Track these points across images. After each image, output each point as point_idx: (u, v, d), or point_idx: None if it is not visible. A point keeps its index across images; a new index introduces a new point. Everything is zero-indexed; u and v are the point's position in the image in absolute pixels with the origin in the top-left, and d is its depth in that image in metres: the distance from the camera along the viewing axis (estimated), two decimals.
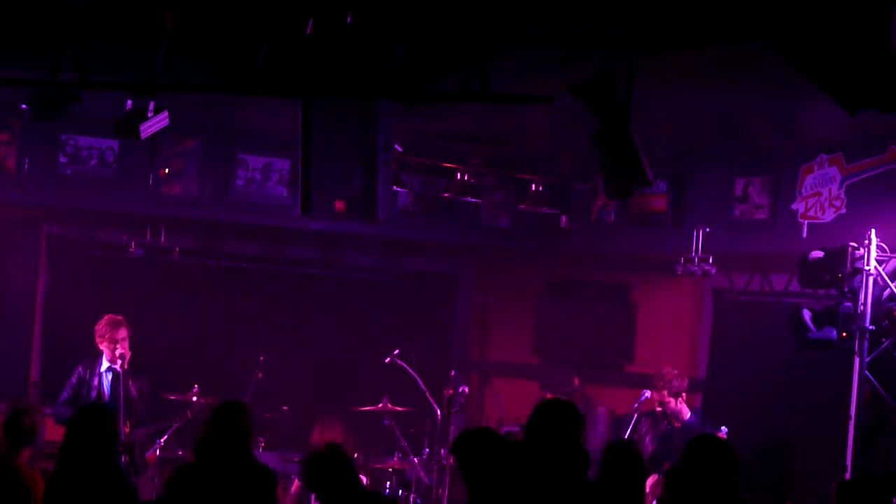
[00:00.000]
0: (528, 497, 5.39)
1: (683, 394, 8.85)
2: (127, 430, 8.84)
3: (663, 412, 8.79)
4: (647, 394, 8.78)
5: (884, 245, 8.12)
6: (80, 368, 9.06)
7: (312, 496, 9.06)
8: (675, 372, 8.94)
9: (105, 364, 9.02)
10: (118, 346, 8.89)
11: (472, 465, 5.70)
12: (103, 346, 8.99)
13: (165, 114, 6.89)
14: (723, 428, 8.43)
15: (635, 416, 8.64)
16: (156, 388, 9.34)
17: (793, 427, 9.50)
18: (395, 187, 10.11)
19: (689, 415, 8.80)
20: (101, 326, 9.01)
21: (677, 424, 8.75)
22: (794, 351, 8.59)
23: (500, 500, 5.51)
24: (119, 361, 8.85)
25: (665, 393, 8.78)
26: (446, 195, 10.61)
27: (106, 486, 6.11)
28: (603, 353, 11.36)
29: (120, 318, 9.06)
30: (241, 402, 6.57)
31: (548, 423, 5.49)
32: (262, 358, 9.99)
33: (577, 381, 10.31)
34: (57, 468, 6.30)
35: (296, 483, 9.68)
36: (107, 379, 9.03)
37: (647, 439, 8.84)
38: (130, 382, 8.95)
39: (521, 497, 5.40)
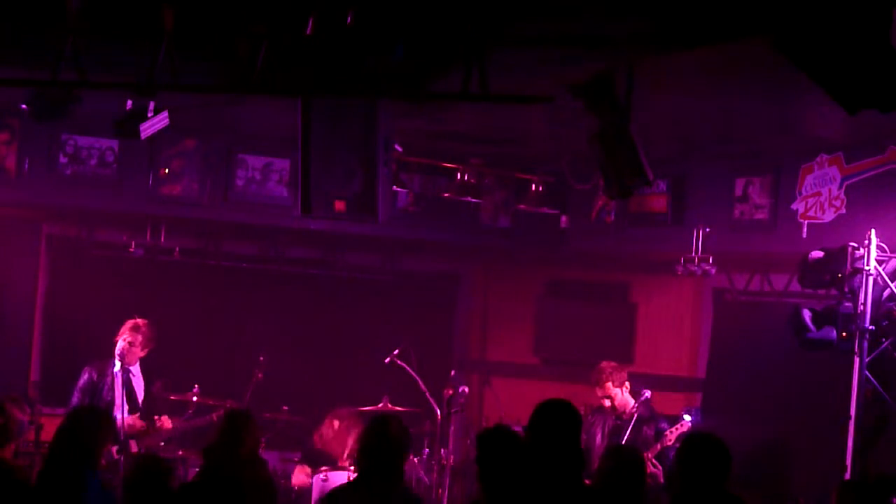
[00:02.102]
0: (528, 497, 5.38)
1: (627, 384, 8.79)
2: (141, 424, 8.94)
3: (612, 406, 8.74)
4: (648, 394, 8.76)
5: (884, 245, 8.12)
6: (90, 371, 9.02)
7: (313, 499, 9.09)
8: (613, 364, 8.89)
9: (118, 364, 9.02)
10: (123, 345, 8.94)
11: (493, 460, 5.65)
12: (118, 345, 9.01)
13: (165, 114, 6.89)
14: (663, 425, 8.44)
15: (634, 416, 8.61)
16: (163, 390, 9.39)
17: (793, 427, 9.50)
18: (395, 187, 10.12)
19: (633, 405, 8.72)
20: (124, 325, 9.03)
21: (626, 417, 8.72)
22: (794, 351, 8.58)
23: (511, 499, 5.49)
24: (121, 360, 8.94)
25: (609, 385, 8.73)
26: (446, 195, 10.60)
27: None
28: (603, 353, 11.33)
29: (141, 322, 9.04)
30: (246, 412, 6.58)
31: (547, 424, 5.49)
32: (262, 358, 9.98)
33: None
34: (41, 471, 6.29)
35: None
36: (119, 379, 9.03)
37: (598, 435, 8.80)
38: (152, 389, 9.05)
39: (522, 497, 5.40)
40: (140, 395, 9.07)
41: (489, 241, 11.20)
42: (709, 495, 5.46)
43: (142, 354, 9.07)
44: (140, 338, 8.99)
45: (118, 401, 8.79)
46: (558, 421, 5.48)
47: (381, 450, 5.70)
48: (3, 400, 7.02)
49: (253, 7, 6.31)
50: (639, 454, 6.54)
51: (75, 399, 8.93)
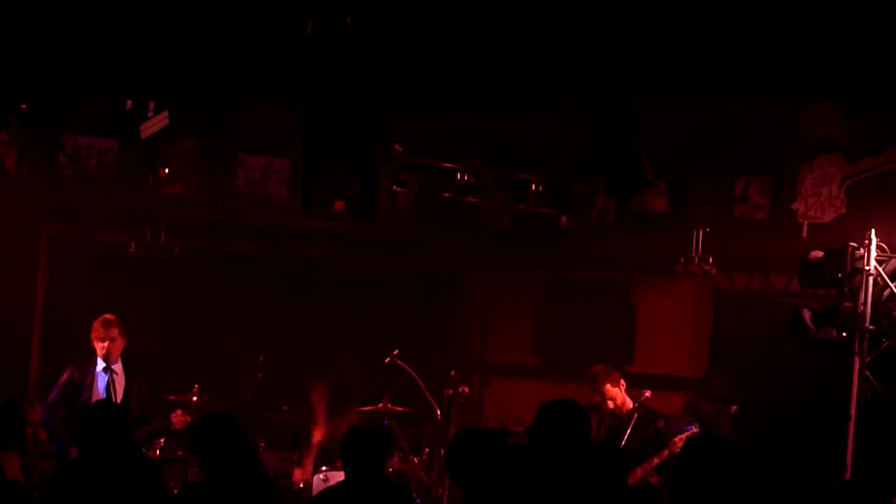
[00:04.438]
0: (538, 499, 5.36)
1: (622, 382, 8.73)
2: None
3: (615, 406, 8.69)
4: (648, 394, 8.75)
5: (884, 245, 8.12)
6: (72, 370, 8.99)
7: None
8: (604, 366, 8.80)
9: (101, 364, 9.01)
10: (104, 345, 8.91)
11: (466, 470, 5.65)
12: (96, 346, 8.99)
13: (165, 114, 6.89)
14: (661, 423, 8.42)
15: (635, 416, 8.59)
16: (156, 390, 9.33)
17: (792, 427, 9.50)
18: (395, 187, 10.12)
19: (631, 405, 8.69)
20: (95, 325, 9.01)
21: (623, 417, 8.68)
22: (794, 351, 8.59)
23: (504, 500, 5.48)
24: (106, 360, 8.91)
25: (608, 387, 8.67)
26: (446, 195, 10.60)
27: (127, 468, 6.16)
28: (603, 353, 11.34)
29: (111, 317, 9.03)
30: (221, 413, 6.51)
31: (555, 424, 5.47)
32: (261, 358, 9.97)
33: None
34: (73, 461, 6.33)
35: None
36: (102, 379, 9.01)
37: (594, 435, 8.74)
38: (136, 386, 9.00)
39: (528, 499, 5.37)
40: (120, 397, 9.01)
41: (489, 241, 11.19)
42: (710, 497, 5.45)
43: (122, 345, 9.04)
44: (115, 330, 8.96)
45: (95, 401, 8.77)
46: (564, 421, 5.47)
47: (362, 458, 5.93)
48: (19, 401, 7.05)
49: (254, 8, 6.31)
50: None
51: (53, 396, 8.88)
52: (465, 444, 5.75)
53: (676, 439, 8.26)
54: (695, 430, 8.27)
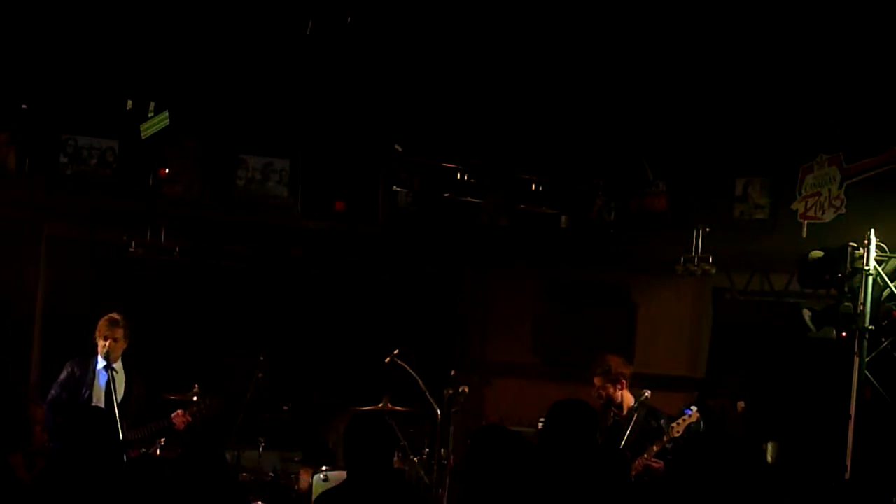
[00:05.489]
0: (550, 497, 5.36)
1: (623, 381, 8.69)
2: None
3: (606, 402, 8.65)
4: (648, 394, 8.74)
5: (884, 245, 8.13)
6: (72, 366, 9.00)
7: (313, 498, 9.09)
8: (619, 360, 8.76)
9: (102, 362, 9.00)
10: (106, 343, 8.90)
11: (487, 461, 5.64)
12: (98, 343, 8.98)
13: (165, 113, 6.90)
14: (663, 421, 8.40)
15: (635, 415, 8.59)
16: (153, 389, 9.33)
17: (792, 427, 9.51)
18: (395, 187, 10.12)
19: (633, 402, 8.65)
20: (100, 323, 9.01)
21: (624, 413, 8.67)
22: (794, 351, 8.60)
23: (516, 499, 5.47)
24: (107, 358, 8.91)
25: (603, 380, 8.65)
26: (446, 195, 10.60)
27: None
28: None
29: (118, 317, 9.03)
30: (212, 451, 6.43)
31: (565, 424, 5.48)
32: (262, 358, 9.98)
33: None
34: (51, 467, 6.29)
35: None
36: (103, 377, 9.00)
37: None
38: (135, 386, 9.00)
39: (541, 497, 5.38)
40: (120, 395, 9.01)
41: (489, 241, 11.19)
42: (705, 493, 5.46)
43: (124, 346, 9.03)
44: (120, 331, 8.96)
45: (96, 398, 8.76)
46: (576, 420, 5.48)
47: (367, 450, 5.60)
48: (25, 401, 7.02)
49: (256, 14, 6.33)
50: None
51: (53, 393, 8.88)
52: (489, 439, 5.73)
53: (674, 424, 8.26)
54: (693, 413, 8.27)
